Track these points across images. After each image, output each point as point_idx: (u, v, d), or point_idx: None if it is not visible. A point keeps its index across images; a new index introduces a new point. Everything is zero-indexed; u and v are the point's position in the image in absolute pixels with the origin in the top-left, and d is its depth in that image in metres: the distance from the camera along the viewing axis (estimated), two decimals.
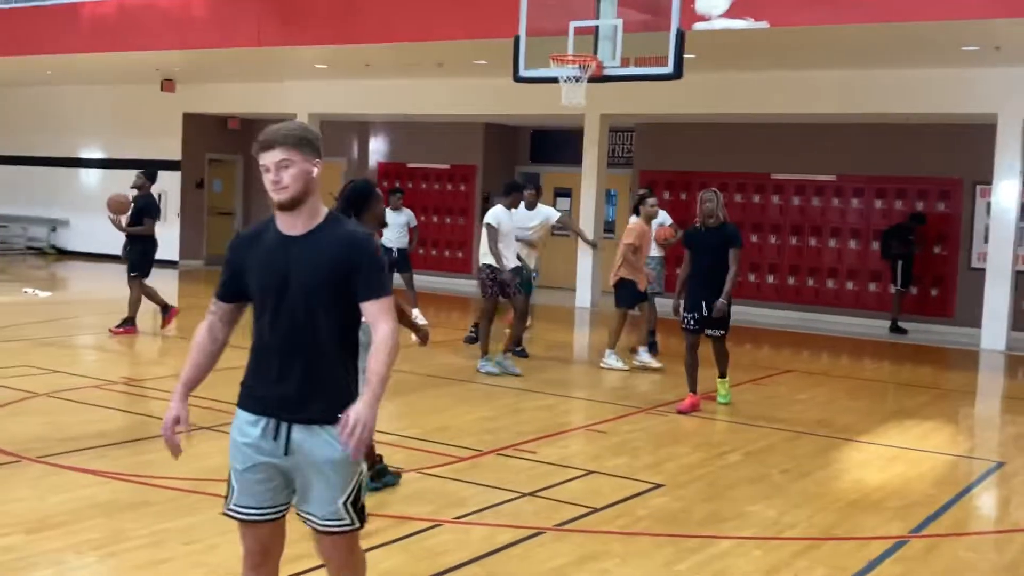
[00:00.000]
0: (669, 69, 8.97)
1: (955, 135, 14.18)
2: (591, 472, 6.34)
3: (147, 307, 11.20)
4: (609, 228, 16.77)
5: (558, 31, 9.53)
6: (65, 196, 20.68)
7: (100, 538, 4.79)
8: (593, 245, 11.82)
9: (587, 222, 15.45)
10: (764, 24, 10.07)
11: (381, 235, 14.06)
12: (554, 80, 9.50)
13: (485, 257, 9.48)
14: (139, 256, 11.07)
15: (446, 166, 18.67)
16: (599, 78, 9.33)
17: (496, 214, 9.44)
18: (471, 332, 11.18)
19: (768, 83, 13.85)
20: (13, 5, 15.73)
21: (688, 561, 4.83)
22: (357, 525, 3.13)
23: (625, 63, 9.28)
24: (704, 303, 8.12)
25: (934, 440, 7.96)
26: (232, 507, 3.15)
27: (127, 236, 11.16)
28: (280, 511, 3.16)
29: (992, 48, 11.22)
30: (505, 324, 10.63)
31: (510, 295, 9.45)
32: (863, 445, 7.53)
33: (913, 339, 13.67)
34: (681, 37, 8.93)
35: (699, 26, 10.09)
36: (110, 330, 10.96)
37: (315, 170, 3.06)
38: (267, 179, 3.04)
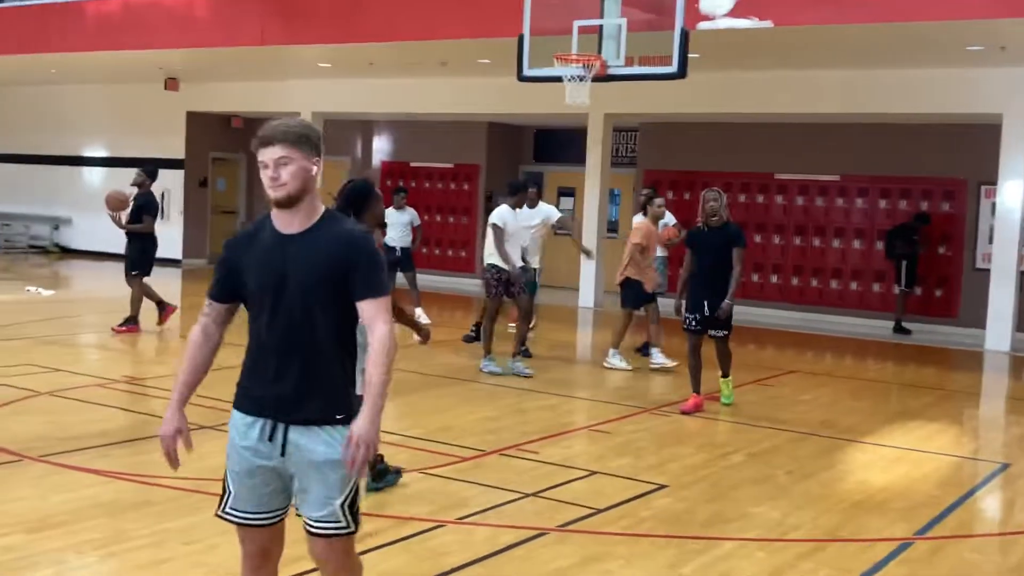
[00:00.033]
0: (673, 69, 8.94)
1: (960, 135, 14.14)
2: (594, 473, 6.32)
3: (148, 305, 11.18)
4: (612, 228, 16.75)
5: (562, 30, 9.50)
6: (68, 194, 20.68)
7: (101, 538, 4.78)
8: (588, 254, 11.63)
9: (591, 222, 15.44)
10: (768, 23, 10.04)
11: (384, 234, 14.07)
12: (558, 79, 9.48)
13: (490, 257, 9.45)
14: (139, 254, 11.06)
15: (449, 165, 18.65)
16: (603, 77, 9.30)
17: (501, 214, 9.42)
18: (471, 331, 11.16)
19: (772, 83, 13.82)
20: (18, 3, 15.73)
21: (692, 563, 4.81)
22: (352, 528, 3.07)
23: (629, 62, 9.25)
24: (706, 303, 8.09)
25: (938, 441, 7.93)
26: (229, 510, 3.11)
27: (127, 234, 11.15)
28: (278, 516, 3.12)
29: (997, 48, 11.19)
30: (508, 322, 10.61)
31: (515, 295, 9.42)
32: (867, 446, 7.50)
33: (917, 340, 13.63)
34: (685, 36, 8.91)
35: (703, 25, 10.07)
36: (113, 329, 10.95)
37: (314, 168, 3.03)
38: (265, 175, 3.00)
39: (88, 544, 4.69)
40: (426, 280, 14.92)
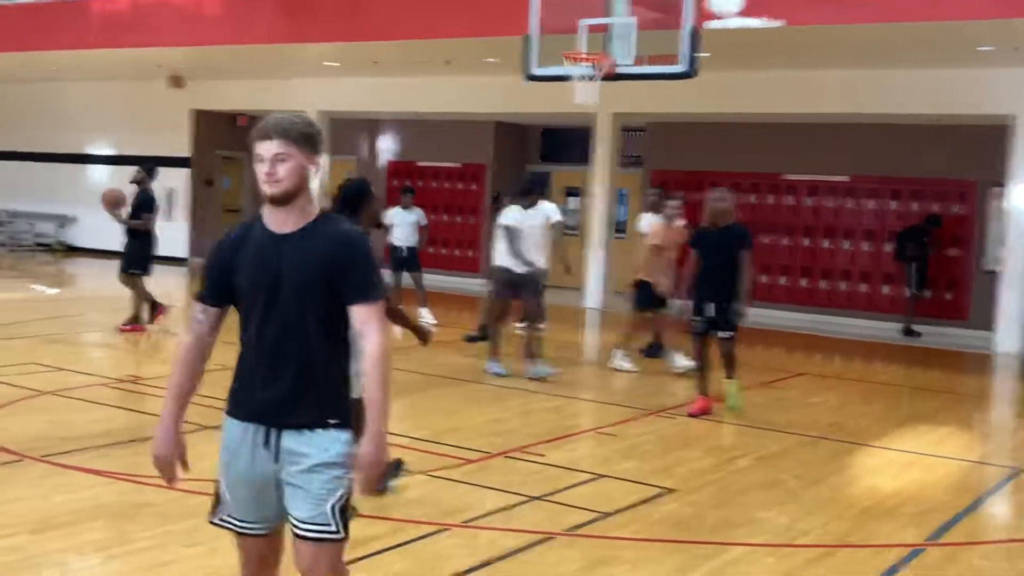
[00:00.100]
0: (683, 68, 8.87)
1: (971, 136, 14.04)
2: (601, 476, 6.25)
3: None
4: (620, 228, 16.67)
5: (569, 29, 9.43)
6: (73, 192, 20.66)
7: (103, 539, 4.75)
8: (567, 270, 11.05)
9: (597, 222, 15.38)
10: (780, 23, 9.97)
11: (390, 234, 13.99)
12: (565, 79, 9.41)
13: (501, 259, 9.38)
14: (138, 252, 10.99)
15: (456, 165, 18.60)
16: (612, 76, 9.23)
17: (514, 215, 9.34)
18: (476, 331, 11.08)
19: (781, 83, 13.74)
20: (23, 1, 15.72)
21: (700, 568, 4.75)
22: (342, 535, 2.96)
23: (638, 61, 9.18)
24: (712, 305, 7.99)
25: (949, 446, 7.85)
26: (225, 518, 3.04)
27: (126, 231, 11.09)
28: (274, 525, 3.04)
29: (1010, 48, 11.10)
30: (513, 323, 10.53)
31: (523, 298, 9.33)
32: (877, 450, 7.43)
33: (926, 342, 13.54)
34: (695, 35, 8.83)
35: (714, 24, 10.00)
36: (118, 328, 10.91)
37: (312, 168, 2.94)
38: (260, 169, 2.90)
39: (90, 546, 4.66)
40: (432, 280, 14.85)
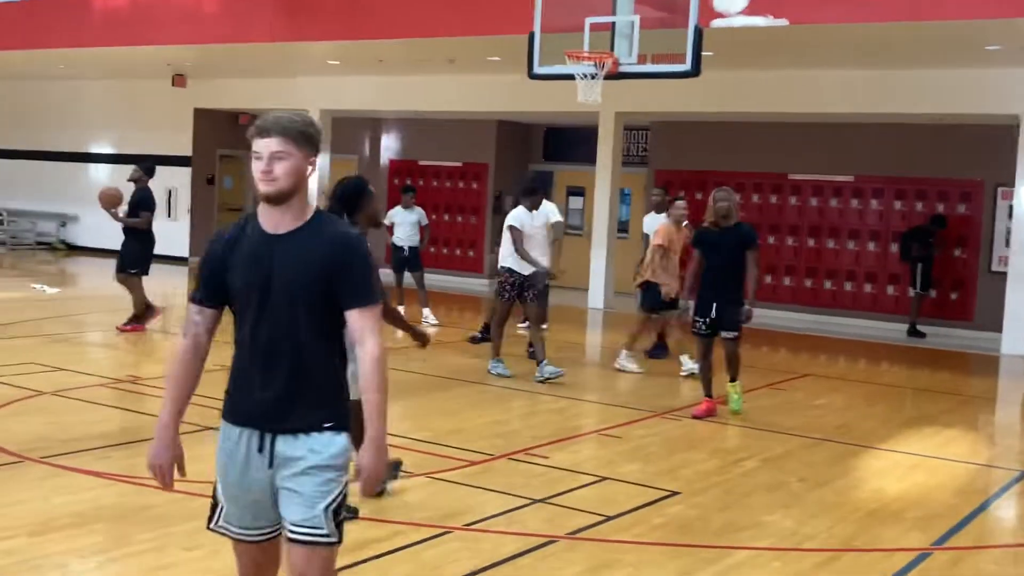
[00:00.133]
0: (687, 66, 8.81)
1: (977, 136, 13.98)
2: (604, 478, 6.20)
3: (126, 303, 11.03)
4: (623, 228, 16.62)
5: (572, 27, 9.38)
6: (75, 191, 20.62)
7: (103, 542, 4.72)
8: (551, 275, 10.71)
9: (601, 222, 15.32)
10: (784, 22, 9.91)
11: (392, 233, 13.95)
12: (569, 77, 9.35)
13: (505, 260, 9.32)
14: (136, 251, 10.92)
15: (458, 164, 18.54)
16: (615, 75, 9.18)
17: (519, 216, 9.27)
18: (479, 332, 11.03)
19: (785, 82, 13.68)
20: None
21: (704, 572, 4.70)
22: (335, 539, 2.91)
23: (642, 60, 9.12)
24: (715, 306, 7.93)
25: (955, 448, 7.79)
26: (223, 524, 3.00)
27: (124, 230, 11.03)
28: (270, 532, 3.00)
29: (1016, 48, 11.04)
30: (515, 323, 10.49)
31: (526, 300, 9.27)
32: (882, 453, 7.38)
33: (932, 343, 13.47)
34: (699, 34, 8.78)
35: (718, 23, 9.95)
36: (118, 327, 10.87)
37: (310, 168, 2.90)
38: (256, 167, 2.86)
39: (90, 548, 4.63)
40: (434, 280, 14.82)
